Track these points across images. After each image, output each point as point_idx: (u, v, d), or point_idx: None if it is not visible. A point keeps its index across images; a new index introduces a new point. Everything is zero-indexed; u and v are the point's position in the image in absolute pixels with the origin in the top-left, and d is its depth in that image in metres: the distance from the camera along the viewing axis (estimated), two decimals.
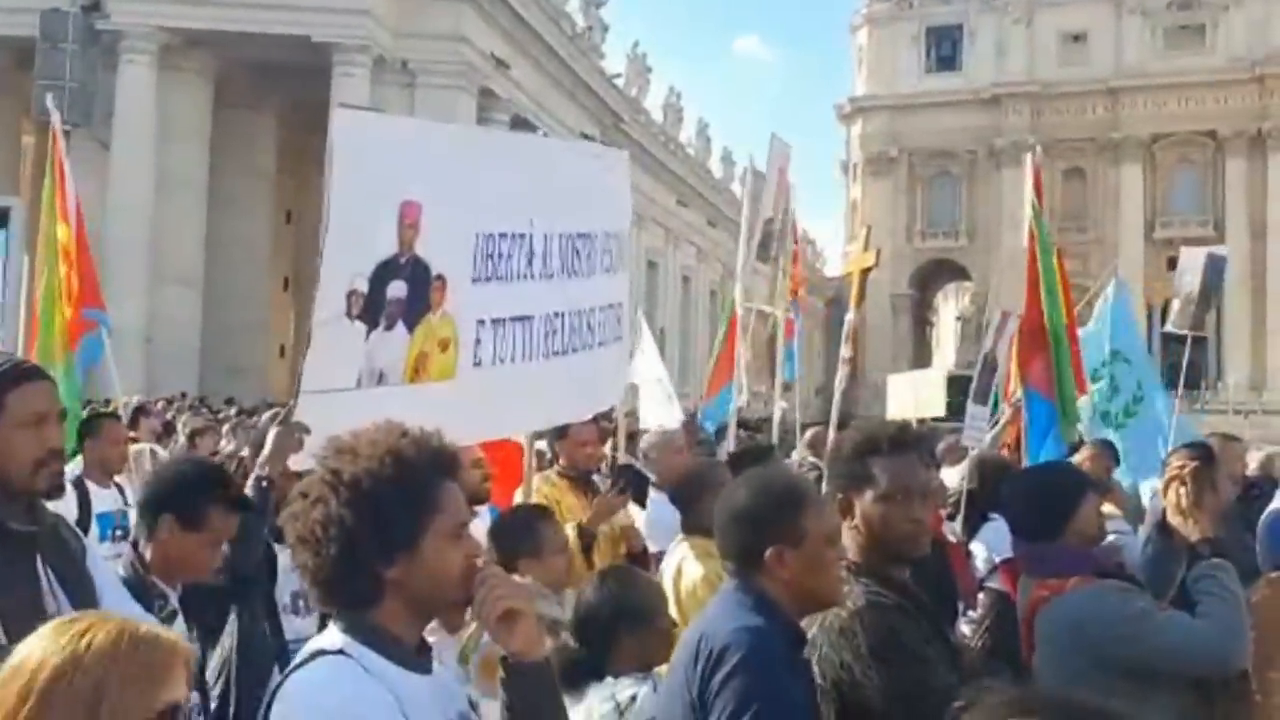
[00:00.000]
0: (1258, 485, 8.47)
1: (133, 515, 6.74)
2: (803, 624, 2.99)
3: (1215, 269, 10.47)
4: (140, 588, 3.38)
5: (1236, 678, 3.53)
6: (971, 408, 7.82)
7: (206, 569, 3.48)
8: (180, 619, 3.40)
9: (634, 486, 6.47)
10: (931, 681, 2.89)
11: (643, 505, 6.60)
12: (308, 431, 3.59)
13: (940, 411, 18.83)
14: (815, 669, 2.91)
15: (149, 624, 1.86)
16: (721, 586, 3.00)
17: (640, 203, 43.34)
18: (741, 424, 12.13)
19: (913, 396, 16.44)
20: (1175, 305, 10.94)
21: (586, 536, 5.44)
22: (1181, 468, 3.93)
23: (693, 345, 57.61)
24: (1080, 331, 8.45)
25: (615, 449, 9.23)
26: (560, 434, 6.18)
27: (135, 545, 3.54)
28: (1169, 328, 10.62)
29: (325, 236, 3.67)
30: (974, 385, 8.27)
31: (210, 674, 3.43)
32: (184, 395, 25.05)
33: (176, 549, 3.44)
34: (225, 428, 12.77)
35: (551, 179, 4.87)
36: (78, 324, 8.02)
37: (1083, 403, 8.12)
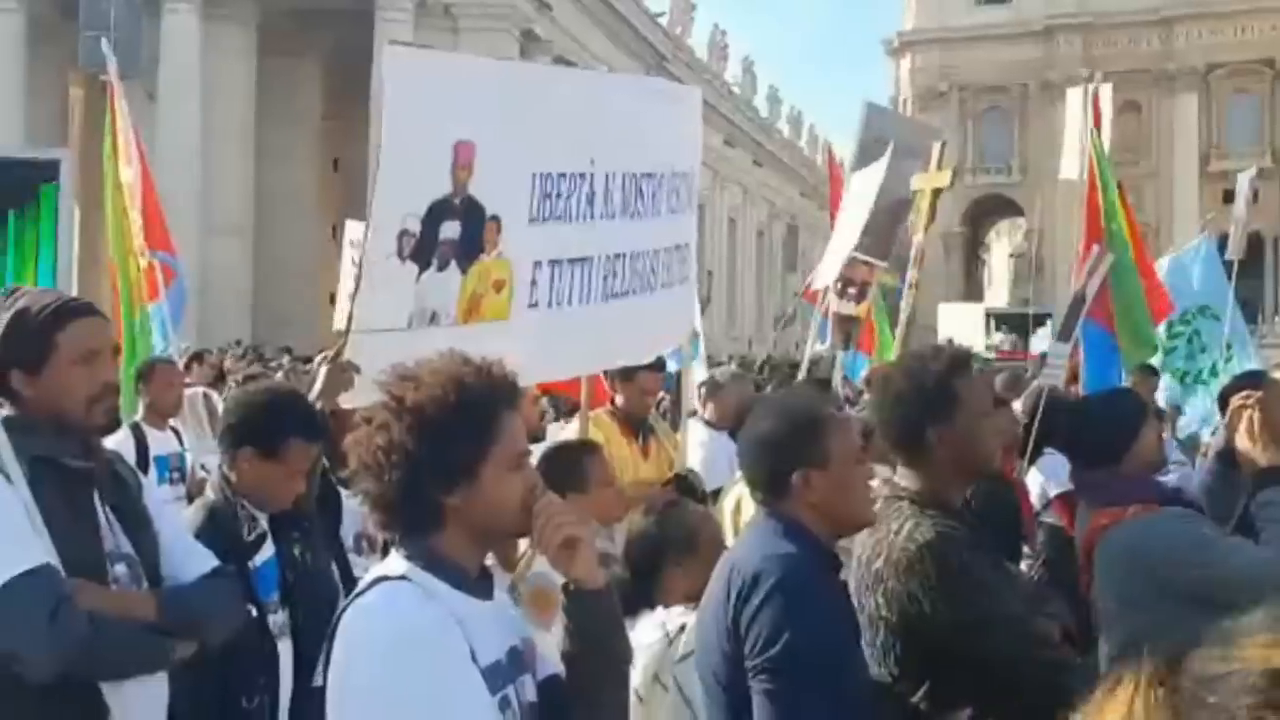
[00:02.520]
0: None
1: (189, 458, 6.86)
2: (867, 558, 2.99)
3: (1251, 189, 10.32)
4: (229, 511, 3.42)
5: None
6: (1054, 345, 7.67)
7: (287, 499, 3.48)
8: (270, 541, 3.43)
9: None
10: (1000, 611, 2.88)
11: None
12: (358, 370, 3.60)
13: (980, 347, 18.68)
14: (881, 601, 2.91)
15: None
16: (752, 517, 2.99)
17: None
18: (814, 363, 12.10)
19: (953, 332, 16.32)
20: (1231, 232, 10.77)
21: None
22: (1248, 395, 3.87)
23: (739, 287, 57.44)
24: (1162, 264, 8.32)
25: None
26: (626, 376, 6.06)
27: (222, 470, 3.56)
28: (1228, 256, 10.44)
29: (376, 176, 3.66)
30: (1060, 323, 8.10)
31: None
32: (239, 343, 25.30)
33: (256, 479, 3.45)
34: (278, 375, 12.88)
35: (615, 117, 4.76)
36: (153, 272, 8.10)
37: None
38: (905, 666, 2.89)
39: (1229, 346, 8.93)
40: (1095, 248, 7.08)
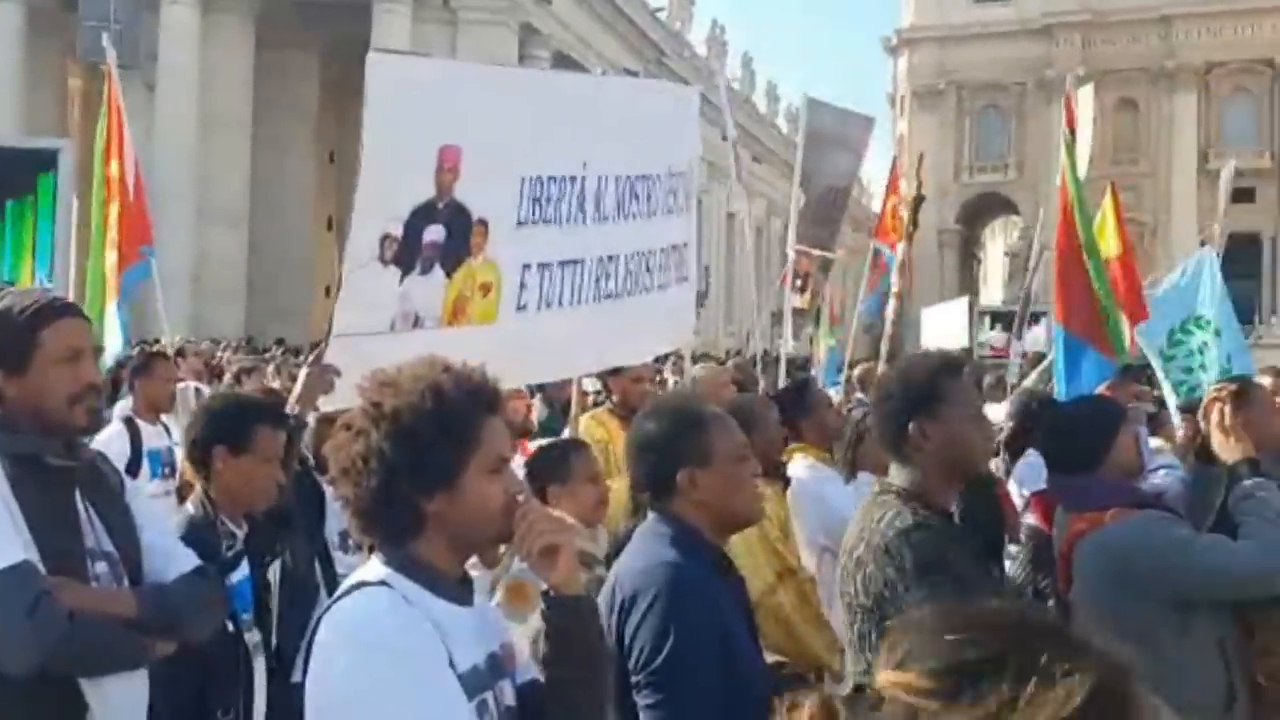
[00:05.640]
0: None
1: (179, 453, 6.87)
2: (850, 546, 3.03)
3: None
4: (209, 528, 3.47)
5: (1277, 609, 3.52)
6: (1015, 343, 7.78)
7: (269, 491, 3.56)
8: (245, 562, 3.48)
9: None
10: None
11: None
12: (338, 374, 3.62)
13: (964, 343, 18.77)
14: (860, 586, 2.95)
15: None
16: (641, 524, 3.00)
17: None
18: (790, 361, 12.12)
19: (940, 330, 16.41)
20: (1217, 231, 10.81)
21: None
22: (1221, 389, 3.92)
23: (737, 282, 57.39)
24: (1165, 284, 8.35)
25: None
26: (614, 370, 6.13)
27: (204, 488, 3.61)
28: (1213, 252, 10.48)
29: (358, 182, 3.68)
30: (1015, 321, 8.22)
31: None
32: (248, 342, 25.25)
33: (234, 477, 3.53)
34: (270, 367, 12.91)
35: (608, 119, 4.79)
36: (125, 262, 8.10)
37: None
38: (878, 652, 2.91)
39: (1229, 359, 8.97)
40: (1035, 245, 7.17)
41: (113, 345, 8.10)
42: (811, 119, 11.23)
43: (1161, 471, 5.87)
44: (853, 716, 0.90)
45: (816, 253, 11.42)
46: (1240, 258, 11.29)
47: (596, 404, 7.07)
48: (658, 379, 8.98)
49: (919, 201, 10.00)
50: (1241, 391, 3.94)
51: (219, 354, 15.45)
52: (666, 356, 9.55)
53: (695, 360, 12.96)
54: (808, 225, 10.93)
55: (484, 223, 4.10)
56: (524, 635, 2.34)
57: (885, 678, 0.91)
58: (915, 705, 0.88)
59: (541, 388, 8.18)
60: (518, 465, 4.46)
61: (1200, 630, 3.51)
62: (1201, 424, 3.99)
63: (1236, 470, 3.70)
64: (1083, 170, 8.19)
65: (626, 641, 2.69)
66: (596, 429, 5.88)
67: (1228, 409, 3.79)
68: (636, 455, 2.97)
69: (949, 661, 0.89)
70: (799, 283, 11.43)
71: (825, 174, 10.91)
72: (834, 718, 0.90)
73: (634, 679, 2.68)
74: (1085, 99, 8.84)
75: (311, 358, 3.91)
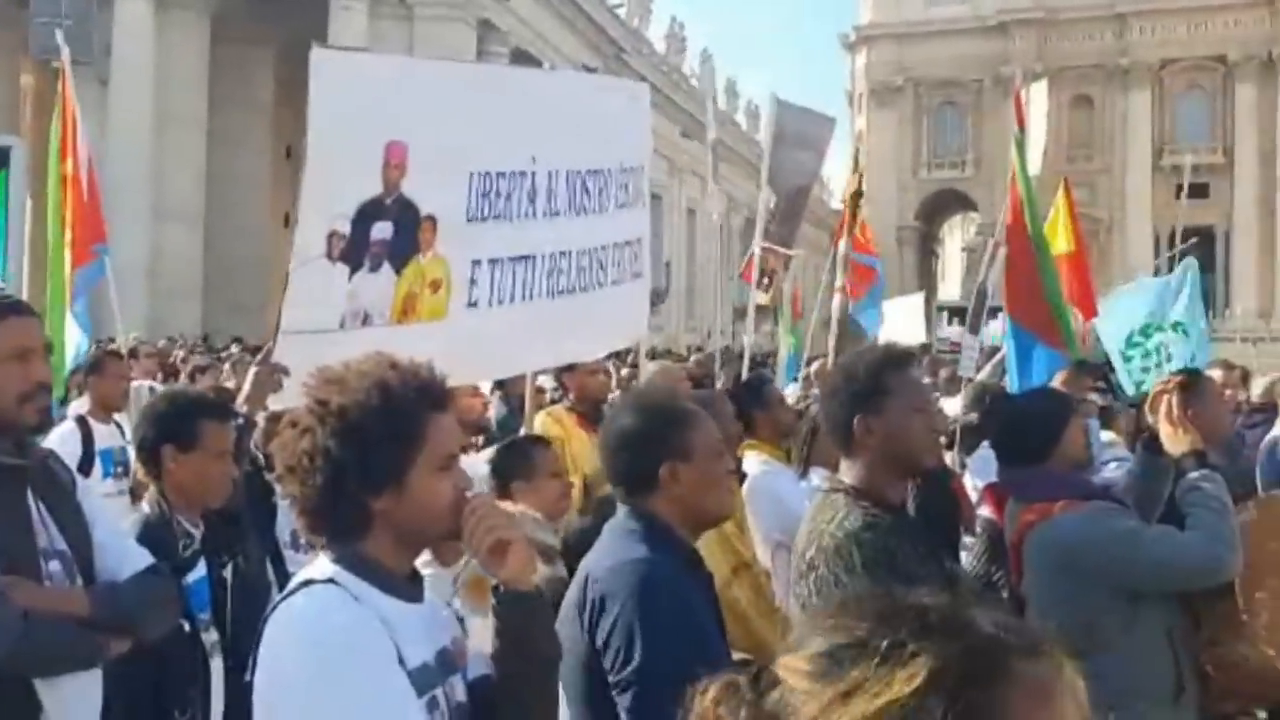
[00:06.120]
0: (1261, 412, 8.50)
1: (131, 451, 6.83)
2: (801, 548, 3.03)
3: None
4: (165, 528, 3.44)
5: (1224, 599, 3.57)
6: (966, 338, 7.84)
7: (223, 485, 3.54)
8: (202, 561, 3.46)
9: None
10: None
11: None
12: (287, 373, 3.60)
13: (921, 338, 18.96)
14: (811, 588, 2.94)
15: None
16: (611, 520, 2.99)
17: None
18: (753, 358, 12.17)
19: (896, 325, 16.56)
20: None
21: None
22: (1168, 382, 3.97)
23: (699, 278, 57.49)
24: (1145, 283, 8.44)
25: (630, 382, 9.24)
26: (567, 366, 6.13)
27: (158, 487, 3.58)
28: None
29: (303, 179, 3.66)
30: (968, 315, 8.30)
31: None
32: (205, 340, 25.04)
33: (185, 475, 3.50)
34: (226, 365, 12.81)
35: (557, 115, 4.77)
36: (79, 261, 8.02)
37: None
38: None
39: (1193, 358, 9.07)
40: (990, 241, 7.24)
41: (77, 344, 8.00)
42: (778, 118, 11.29)
43: (1113, 464, 5.94)
44: (751, 695, 0.93)
45: (782, 251, 11.48)
46: (1194, 253, 11.53)
47: (554, 401, 7.07)
48: (621, 376, 8.97)
49: (858, 197, 10.07)
50: (1189, 384, 3.99)
51: (175, 353, 15.30)
52: (625, 353, 9.55)
53: (654, 357, 13.00)
54: (775, 224, 10.99)
55: (433, 219, 4.08)
56: (487, 629, 2.34)
57: (779, 660, 0.95)
58: (793, 686, 0.92)
59: (501, 385, 8.16)
60: (482, 462, 4.50)
61: (1148, 620, 3.55)
62: (1149, 416, 4.04)
63: (1183, 462, 3.75)
64: (1034, 167, 8.27)
65: (600, 642, 2.67)
66: (553, 426, 5.87)
67: (1175, 401, 3.84)
68: (614, 450, 2.94)
69: (823, 645, 0.94)
70: (765, 280, 11.48)
71: (790, 173, 10.98)
72: (737, 696, 0.93)
73: (611, 679, 2.66)
74: (1037, 96, 8.93)
75: (260, 356, 3.89)
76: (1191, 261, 9.02)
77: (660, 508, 2.82)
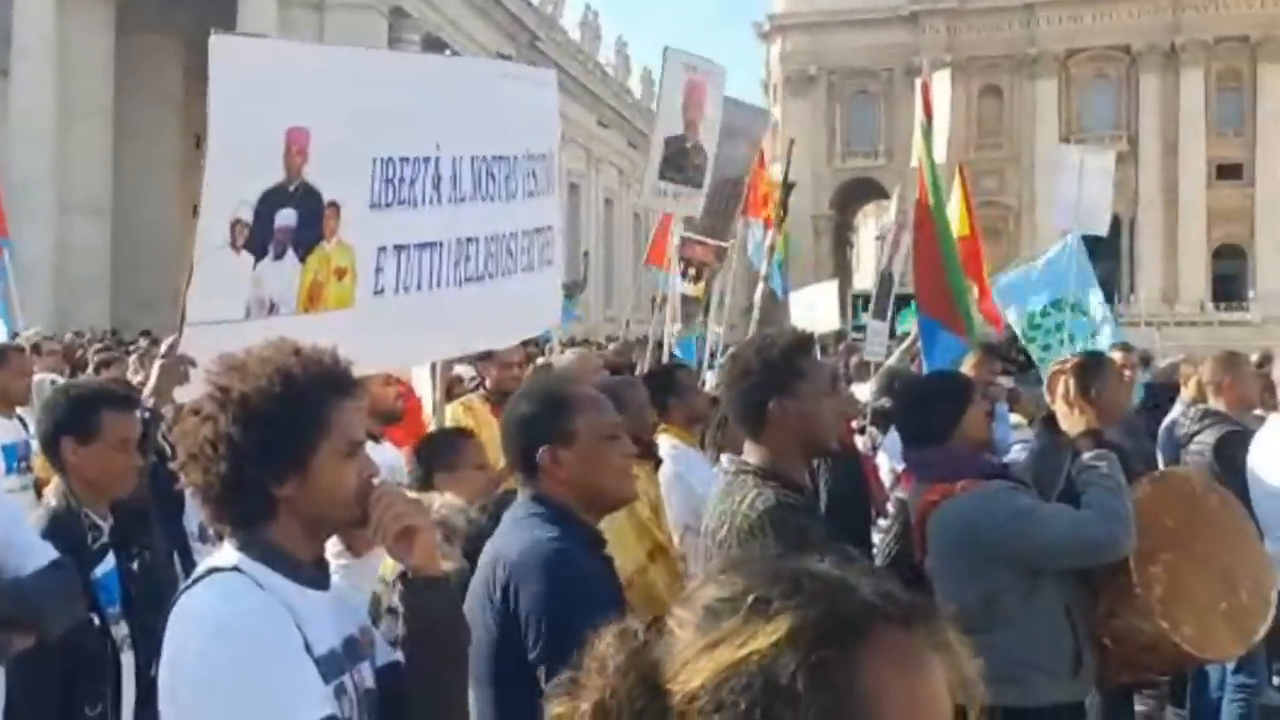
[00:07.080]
0: (1164, 392, 8.70)
1: (34, 445, 6.69)
2: (712, 528, 3.07)
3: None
4: (73, 521, 3.39)
5: (1120, 573, 3.67)
6: (872, 323, 7.96)
7: (127, 476, 3.48)
8: (111, 554, 3.41)
9: None
10: None
11: None
12: (193, 364, 3.56)
13: (836, 325, 19.20)
14: None
15: None
16: (511, 505, 3.01)
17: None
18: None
19: (810, 312, 16.71)
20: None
21: None
22: (1065, 362, 4.07)
23: (616, 268, 57.52)
24: (1023, 270, 8.58)
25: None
26: (485, 355, 6.11)
27: (63, 480, 3.53)
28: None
29: (205, 167, 3.62)
30: (873, 301, 8.42)
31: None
32: (113, 334, 24.57)
33: (87, 467, 3.44)
34: (133, 358, 12.57)
35: (461, 101, 4.74)
36: None
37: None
38: None
39: (1092, 336, 9.24)
40: (893, 228, 7.35)
41: None
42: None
43: (1017, 446, 6.07)
44: (641, 640, 0.99)
45: (712, 242, 11.50)
46: (1099, 239, 11.70)
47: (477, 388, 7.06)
48: (541, 363, 8.96)
49: (789, 189, 10.13)
50: (1086, 365, 4.09)
51: (80, 347, 14.99)
52: (539, 341, 9.52)
53: (569, 346, 12.98)
54: (705, 216, 11.01)
55: (336, 205, 4.04)
56: None
57: (671, 610, 1.01)
58: (676, 635, 0.97)
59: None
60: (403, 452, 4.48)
61: (1046, 595, 3.65)
62: (1046, 396, 4.14)
63: (1079, 442, 3.85)
64: (940, 155, 8.40)
65: (521, 623, 2.69)
66: (465, 415, 5.87)
67: (1072, 382, 3.94)
68: (506, 435, 2.99)
69: (706, 599, 0.97)
70: (692, 271, 11.48)
71: (723, 163, 11.00)
72: (628, 639, 0.97)
73: (531, 658, 2.67)
74: (942, 85, 9.05)
75: (164, 348, 3.83)
76: (1073, 240, 9.19)
77: (551, 490, 2.85)
